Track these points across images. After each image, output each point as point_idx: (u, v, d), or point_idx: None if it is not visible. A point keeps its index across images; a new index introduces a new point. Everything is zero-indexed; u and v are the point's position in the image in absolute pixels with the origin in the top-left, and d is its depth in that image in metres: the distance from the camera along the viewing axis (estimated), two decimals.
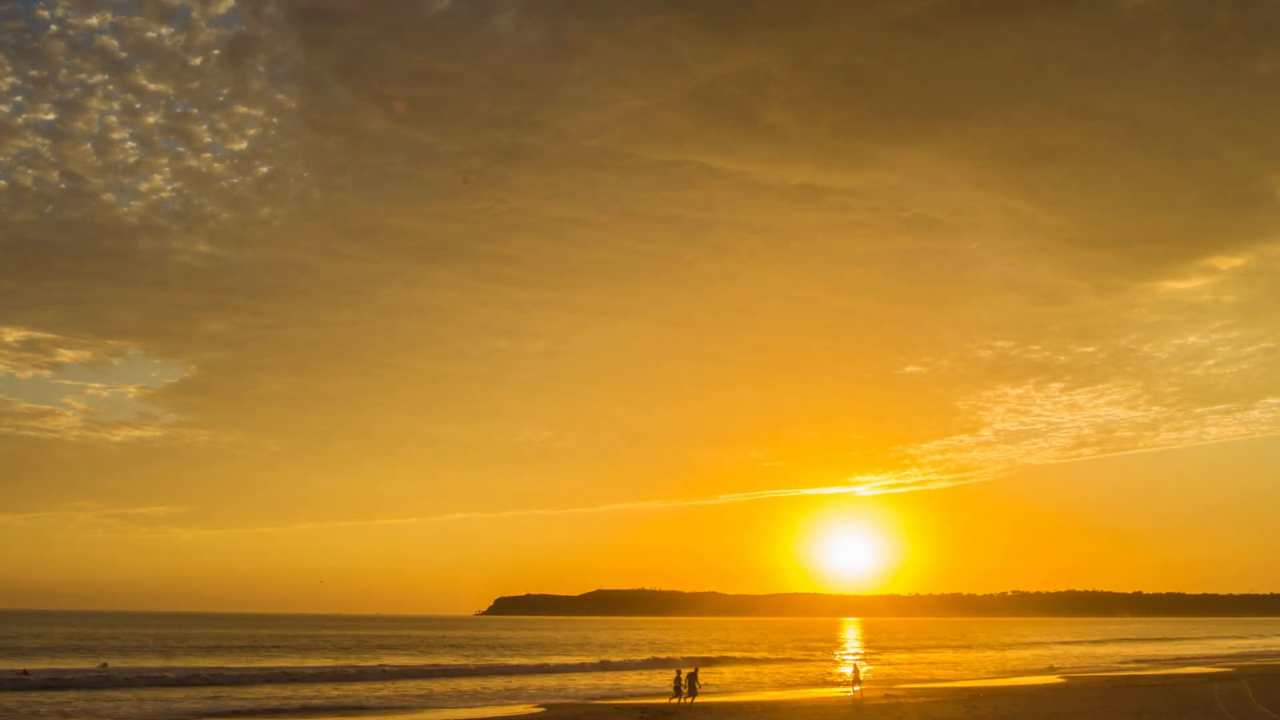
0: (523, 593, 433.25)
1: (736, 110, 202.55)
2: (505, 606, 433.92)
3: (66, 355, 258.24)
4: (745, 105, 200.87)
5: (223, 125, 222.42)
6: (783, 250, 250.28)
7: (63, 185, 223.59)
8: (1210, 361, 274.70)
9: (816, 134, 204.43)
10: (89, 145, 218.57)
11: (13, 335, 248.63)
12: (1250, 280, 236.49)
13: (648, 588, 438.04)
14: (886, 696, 47.59)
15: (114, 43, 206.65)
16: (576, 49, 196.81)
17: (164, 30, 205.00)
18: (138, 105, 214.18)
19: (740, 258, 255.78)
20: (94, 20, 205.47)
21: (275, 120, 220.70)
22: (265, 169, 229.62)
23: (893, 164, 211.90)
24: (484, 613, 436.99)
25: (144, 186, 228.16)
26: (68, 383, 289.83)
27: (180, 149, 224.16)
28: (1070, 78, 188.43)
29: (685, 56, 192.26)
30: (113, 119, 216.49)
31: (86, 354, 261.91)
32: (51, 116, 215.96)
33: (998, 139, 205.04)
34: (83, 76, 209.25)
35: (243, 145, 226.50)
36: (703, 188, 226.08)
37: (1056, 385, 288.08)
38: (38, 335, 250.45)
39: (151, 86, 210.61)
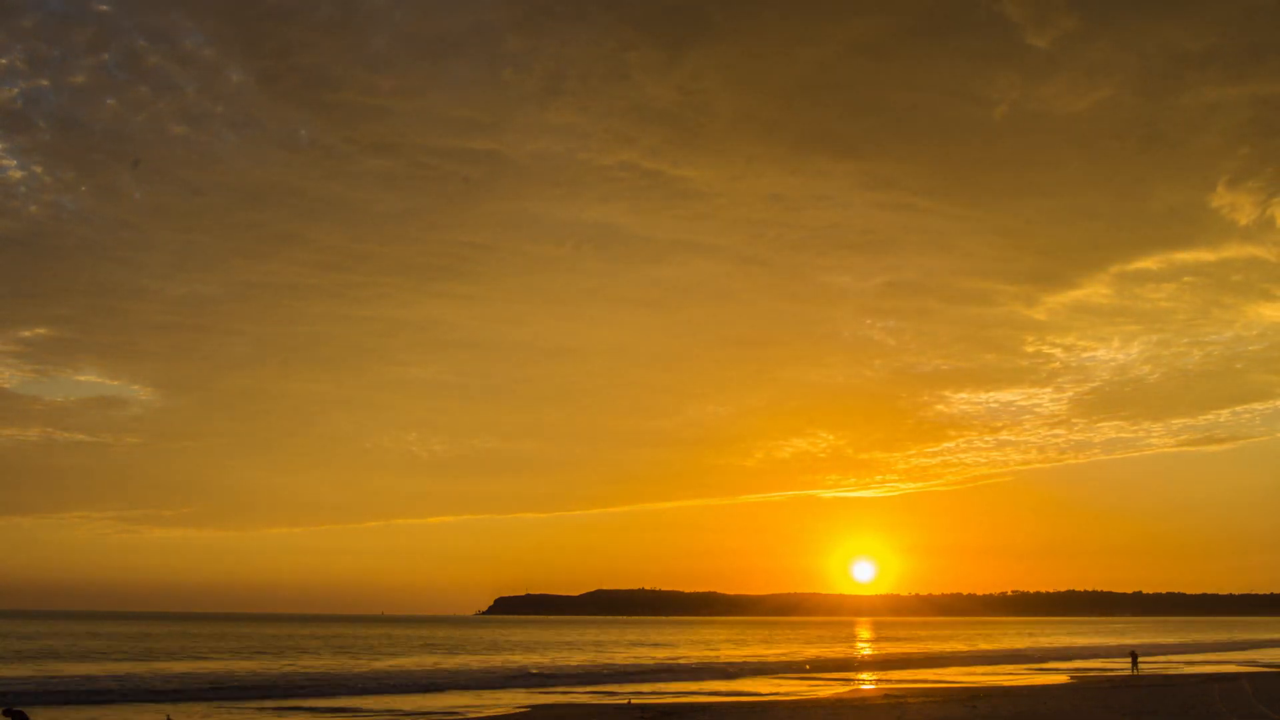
0: (523, 593, 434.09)
1: (694, 127, 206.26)
2: (505, 606, 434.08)
3: (78, 354, 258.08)
4: (695, 122, 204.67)
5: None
6: (746, 265, 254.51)
7: (73, 176, 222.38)
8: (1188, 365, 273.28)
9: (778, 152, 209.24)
10: (101, 133, 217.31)
11: (28, 332, 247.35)
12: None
13: (648, 587, 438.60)
14: (886, 696, 47.63)
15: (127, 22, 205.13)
16: (529, 68, 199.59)
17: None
18: (149, 92, 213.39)
19: (706, 272, 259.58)
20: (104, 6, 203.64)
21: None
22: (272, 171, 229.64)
23: (837, 177, 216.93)
24: (484, 612, 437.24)
25: (157, 175, 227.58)
26: (81, 380, 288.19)
27: (194, 138, 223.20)
28: (1009, 97, 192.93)
29: (632, 69, 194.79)
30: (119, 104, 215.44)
31: (98, 353, 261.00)
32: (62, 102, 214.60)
33: (938, 154, 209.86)
34: (93, 61, 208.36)
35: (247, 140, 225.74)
36: (667, 203, 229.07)
37: (1049, 391, 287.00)
38: (48, 333, 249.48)
39: (166, 71, 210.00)
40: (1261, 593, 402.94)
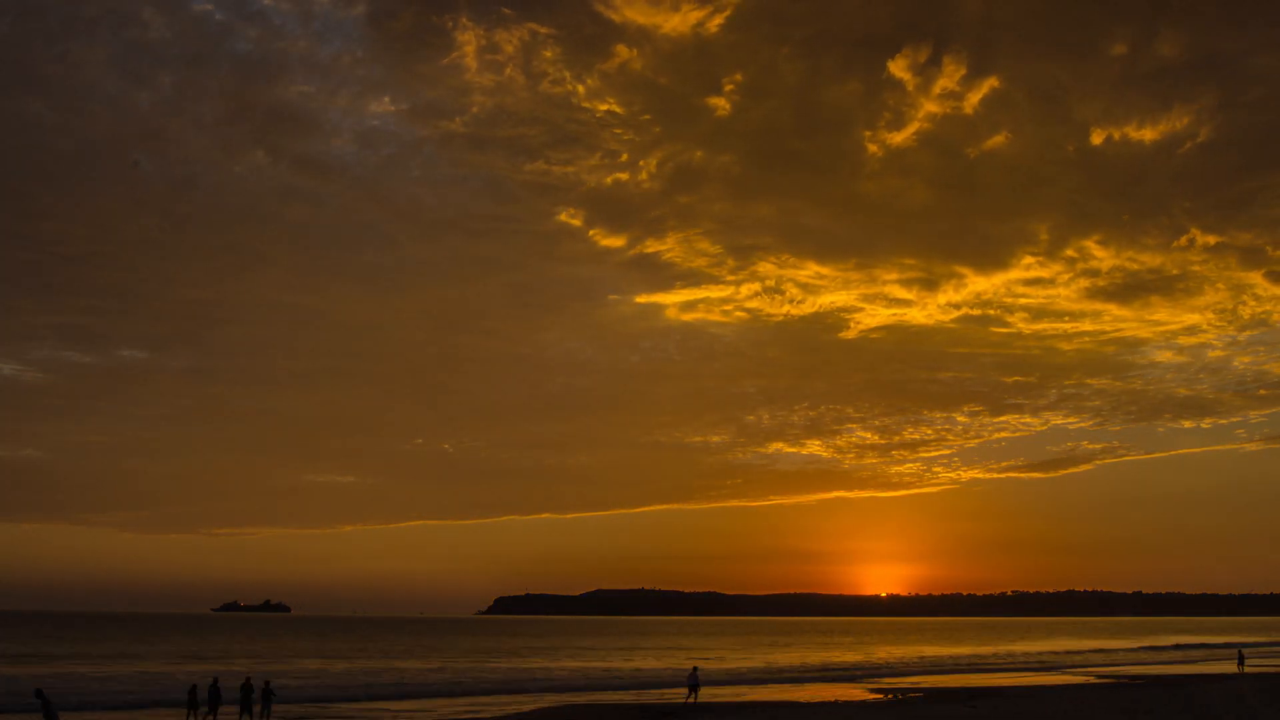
0: (522, 593, 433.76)
1: None
2: (505, 606, 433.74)
3: (86, 356, 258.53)
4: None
5: None
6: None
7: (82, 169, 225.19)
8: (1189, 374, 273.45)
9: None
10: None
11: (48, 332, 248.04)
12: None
13: (648, 587, 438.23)
14: (887, 695, 47.77)
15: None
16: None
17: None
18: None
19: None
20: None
21: None
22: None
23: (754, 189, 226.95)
24: (484, 612, 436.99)
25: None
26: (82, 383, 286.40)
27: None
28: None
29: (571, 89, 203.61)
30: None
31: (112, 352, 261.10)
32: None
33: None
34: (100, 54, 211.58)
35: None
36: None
37: (1042, 390, 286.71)
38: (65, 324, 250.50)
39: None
40: (1261, 593, 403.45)
